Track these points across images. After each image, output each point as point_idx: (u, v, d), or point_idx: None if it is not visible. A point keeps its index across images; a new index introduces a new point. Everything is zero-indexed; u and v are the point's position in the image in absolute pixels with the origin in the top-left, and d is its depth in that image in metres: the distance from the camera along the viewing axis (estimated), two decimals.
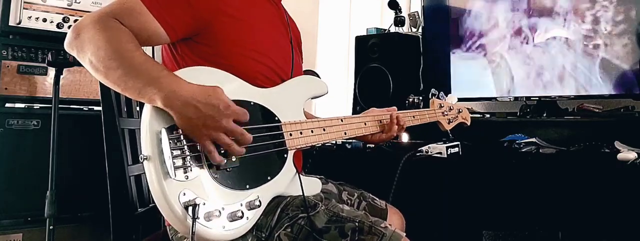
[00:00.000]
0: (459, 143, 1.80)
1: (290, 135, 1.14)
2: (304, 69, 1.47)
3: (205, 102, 0.96)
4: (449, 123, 1.64)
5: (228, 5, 1.14)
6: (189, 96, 0.95)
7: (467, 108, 1.77)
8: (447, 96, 1.69)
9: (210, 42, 1.12)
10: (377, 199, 1.43)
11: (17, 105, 2.15)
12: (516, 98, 2.20)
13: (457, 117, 1.67)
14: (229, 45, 1.13)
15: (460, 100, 1.76)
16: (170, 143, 0.95)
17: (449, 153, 1.75)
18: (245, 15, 1.17)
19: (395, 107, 1.47)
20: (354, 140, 1.96)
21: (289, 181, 1.13)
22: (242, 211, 1.01)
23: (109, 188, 1.27)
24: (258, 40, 1.19)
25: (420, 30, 2.58)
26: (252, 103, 1.10)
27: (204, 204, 0.96)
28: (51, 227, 1.88)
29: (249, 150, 1.04)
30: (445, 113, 1.63)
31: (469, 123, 1.72)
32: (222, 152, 0.99)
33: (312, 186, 1.19)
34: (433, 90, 1.68)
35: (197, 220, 0.93)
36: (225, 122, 0.97)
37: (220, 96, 0.99)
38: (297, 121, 1.17)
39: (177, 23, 1.07)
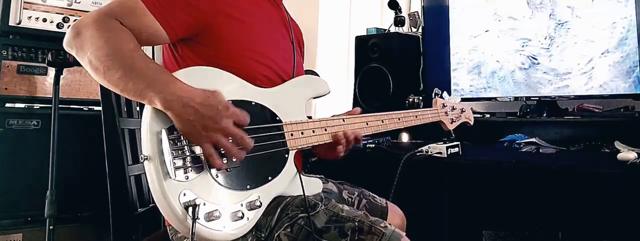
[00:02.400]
0: (459, 143, 1.80)
1: (291, 135, 1.14)
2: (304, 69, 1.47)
3: (204, 104, 0.96)
4: (451, 123, 1.63)
5: (229, 6, 1.14)
6: (188, 98, 0.95)
7: None
8: (450, 95, 1.68)
9: (211, 43, 1.12)
10: (378, 197, 1.43)
11: (17, 105, 2.15)
12: (516, 98, 2.20)
13: (460, 116, 1.67)
14: (230, 45, 1.13)
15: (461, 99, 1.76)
16: (170, 143, 0.95)
17: (449, 153, 1.75)
18: (245, 15, 1.17)
19: (358, 109, 1.37)
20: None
21: (289, 182, 1.13)
22: (242, 212, 1.01)
23: (109, 188, 1.27)
24: (258, 41, 1.19)
25: (420, 30, 2.58)
26: (253, 103, 1.10)
27: (205, 204, 0.95)
28: (51, 227, 1.88)
29: (250, 150, 1.04)
30: (448, 113, 1.62)
31: (472, 123, 1.72)
32: (223, 152, 0.99)
33: (313, 186, 1.19)
34: (436, 90, 1.68)
35: (197, 220, 0.93)
36: (224, 123, 0.96)
37: (219, 98, 0.99)
38: (298, 121, 1.17)
39: (178, 23, 1.07)
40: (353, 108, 1.39)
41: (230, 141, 0.98)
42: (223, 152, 0.99)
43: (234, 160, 1.01)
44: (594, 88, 1.95)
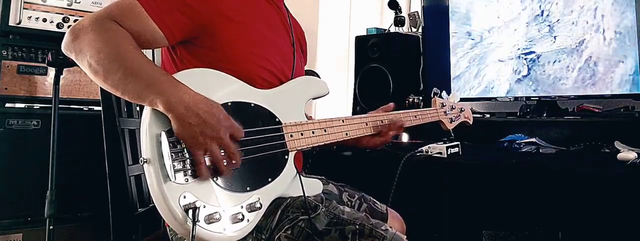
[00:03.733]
0: (459, 143, 1.80)
1: (291, 136, 1.14)
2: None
3: (207, 111, 0.96)
4: (451, 122, 1.63)
5: (227, 8, 1.13)
6: (192, 103, 0.95)
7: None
8: (449, 95, 1.68)
9: (209, 45, 1.12)
10: (378, 203, 1.43)
11: (17, 105, 2.15)
12: (516, 98, 2.20)
13: (459, 116, 1.67)
14: (229, 48, 1.13)
15: (460, 99, 1.76)
16: (170, 146, 0.95)
17: (449, 153, 1.75)
18: (244, 17, 1.17)
19: (392, 104, 1.44)
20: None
21: (289, 183, 1.13)
22: (242, 214, 1.01)
23: (109, 188, 1.27)
24: (257, 43, 1.18)
25: (420, 30, 2.58)
26: (252, 104, 1.10)
27: (205, 207, 0.95)
28: (51, 227, 1.88)
29: (250, 151, 1.04)
30: (447, 112, 1.62)
31: (471, 122, 1.72)
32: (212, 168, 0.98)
33: (313, 187, 1.19)
34: (435, 89, 1.68)
35: (197, 223, 0.93)
36: (223, 133, 0.96)
37: (221, 108, 0.99)
38: (297, 122, 1.17)
39: (176, 25, 1.06)
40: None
41: (222, 153, 0.98)
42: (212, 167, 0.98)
43: (219, 175, 0.99)
44: (594, 88, 1.94)
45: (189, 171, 0.96)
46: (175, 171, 0.94)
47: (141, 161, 0.94)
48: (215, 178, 0.99)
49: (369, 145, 1.38)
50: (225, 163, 0.98)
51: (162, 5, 1.05)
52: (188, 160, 0.96)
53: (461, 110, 1.68)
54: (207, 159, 0.97)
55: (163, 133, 0.95)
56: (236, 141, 1.01)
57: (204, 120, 0.95)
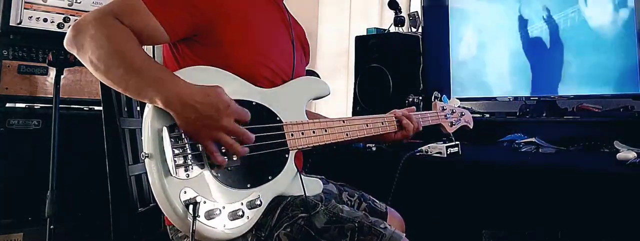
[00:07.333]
0: (458, 143, 1.80)
1: (292, 135, 1.15)
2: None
3: (204, 102, 0.96)
4: (451, 126, 1.64)
5: (229, 6, 1.14)
6: (188, 97, 0.95)
7: (467, 108, 1.77)
8: (449, 99, 1.69)
9: (211, 43, 1.12)
10: (378, 202, 1.43)
11: (18, 105, 2.16)
12: (516, 98, 2.20)
13: (459, 119, 1.68)
14: (230, 46, 1.13)
15: (460, 100, 1.76)
16: (171, 141, 0.95)
17: (449, 153, 1.76)
18: (246, 16, 1.17)
19: (413, 107, 1.47)
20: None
21: (289, 181, 1.13)
22: (242, 211, 1.01)
23: (109, 188, 1.27)
24: (259, 42, 1.19)
25: (420, 30, 2.58)
26: (253, 103, 1.10)
27: (205, 203, 0.96)
28: (51, 227, 1.89)
29: (251, 149, 1.04)
30: (448, 116, 1.63)
31: (471, 127, 1.73)
32: (224, 151, 0.99)
33: (313, 186, 1.19)
34: (435, 93, 1.69)
35: (197, 218, 0.93)
36: (225, 122, 0.97)
37: (220, 95, 0.98)
38: (298, 121, 1.17)
39: (178, 22, 1.06)
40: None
41: (233, 138, 0.99)
42: (224, 150, 0.99)
43: (235, 158, 1.01)
44: (594, 88, 1.95)
45: (191, 166, 0.96)
46: (177, 166, 0.94)
47: (143, 156, 0.95)
48: (217, 174, 0.99)
49: (391, 139, 1.43)
50: (238, 146, 0.99)
51: (165, 2, 1.05)
52: (190, 156, 0.97)
53: (462, 114, 1.69)
54: (216, 148, 0.97)
55: (164, 129, 0.95)
56: (244, 123, 1.01)
57: (203, 113, 0.95)
